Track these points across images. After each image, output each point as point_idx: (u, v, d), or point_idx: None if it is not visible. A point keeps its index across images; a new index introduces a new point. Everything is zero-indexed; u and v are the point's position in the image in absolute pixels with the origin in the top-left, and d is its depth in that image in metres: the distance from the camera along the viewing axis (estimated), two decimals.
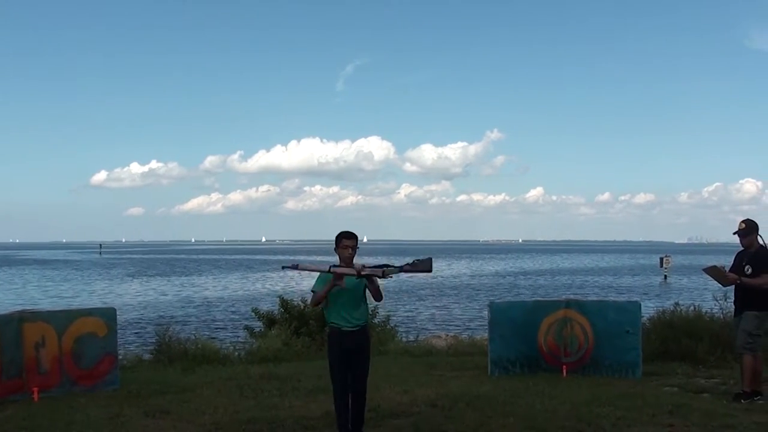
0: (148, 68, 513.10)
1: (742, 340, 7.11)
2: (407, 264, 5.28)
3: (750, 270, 7.13)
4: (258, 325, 13.55)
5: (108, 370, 8.01)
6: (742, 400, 7.03)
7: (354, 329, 5.43)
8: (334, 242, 5.50)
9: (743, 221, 7.32)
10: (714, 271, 7.41)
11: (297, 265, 5.50)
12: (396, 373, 8.77)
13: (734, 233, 7.34)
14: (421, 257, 5.33)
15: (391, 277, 5.22)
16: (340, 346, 5.42)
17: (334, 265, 5.35)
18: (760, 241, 7.28)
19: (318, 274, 5.50)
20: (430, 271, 5.27)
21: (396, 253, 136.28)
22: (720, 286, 7.79)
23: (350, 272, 5.21)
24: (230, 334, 18.12)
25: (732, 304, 7.67)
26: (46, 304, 30.18)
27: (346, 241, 5.41)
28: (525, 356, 8.77)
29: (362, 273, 5.20)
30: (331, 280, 5.30)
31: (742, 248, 7.41)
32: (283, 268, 5.77)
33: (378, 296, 5.49)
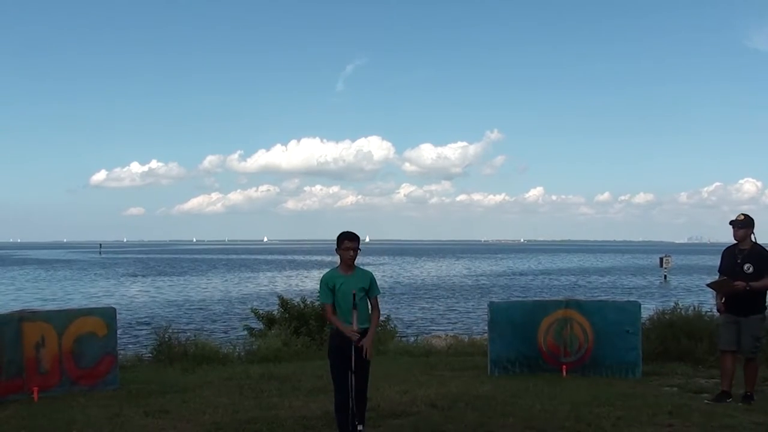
0: (147, 68, 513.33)
1: (751, 345, 6.98)
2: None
3: (751, 269, 6.93)
4: (258, 325, 13.55)
5: (108, 370, 8.02)
6: (733, 401, 6.99)
7: (357, 332, 5.42)
8: (334, 242, 5.50)
9: (743, 214, 7.15)
10: (721, 284, 7.16)
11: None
12: (396, 373, 8.77)
13: (730, 222, 7.13)
14: None
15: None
16: (342, 349, 5.43)
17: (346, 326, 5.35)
18: (753, 238, 7.13)
19: (320, 283, 5.53)
20: None
21: (395, 253, 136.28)
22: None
23: (352, 335, 5.26)
24: (230, 334, 18.09)
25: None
26: (45, 304, 30.17)
27: (348, 242, 5.39)
28: (525, 356, 8.77)
29: (359, 343, 5.27)
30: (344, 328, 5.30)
31: (731, 245, 7.25)
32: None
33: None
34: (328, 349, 5.63)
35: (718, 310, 7.47)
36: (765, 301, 7.09)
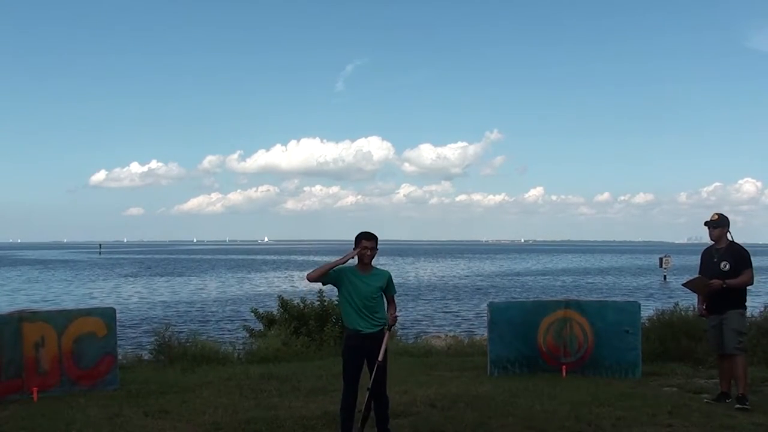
0: (147, 68, 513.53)
1: (734, 341, 6.92)
2: None
3: (727, 266, 6.90)
4: (258, 325, 13.55)
5: (107, 370, 8.01)
6: (725, 401, 6.97)
7: (373, 332, 5.44)
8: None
9: (716, 213, 7.13)
10: (697, 282, 7.10)
11: None
12: (395, 374, 8.72)
13: (705, 223, 7.12)
14: None
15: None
16: (358, 350, 5.42)
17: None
18: (729, 237, 7.10)
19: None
20: None
21: (395, 254, 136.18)
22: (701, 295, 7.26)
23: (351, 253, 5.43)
24: (230, 335, 18.07)
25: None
26: (45, 304, 30.14)
27: (366, 242, 5.45)
28: (524, 356, 8.77)
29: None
30: (344, 257, 5.45)
31: (708, 246, 7.22)
32: None
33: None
34: (342, 349, 5.64)
35: (700, 315, 7.45)
36: (745, 298, 7.06)
